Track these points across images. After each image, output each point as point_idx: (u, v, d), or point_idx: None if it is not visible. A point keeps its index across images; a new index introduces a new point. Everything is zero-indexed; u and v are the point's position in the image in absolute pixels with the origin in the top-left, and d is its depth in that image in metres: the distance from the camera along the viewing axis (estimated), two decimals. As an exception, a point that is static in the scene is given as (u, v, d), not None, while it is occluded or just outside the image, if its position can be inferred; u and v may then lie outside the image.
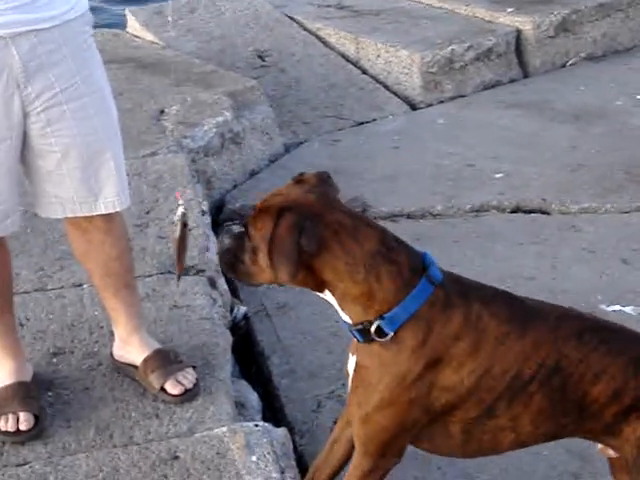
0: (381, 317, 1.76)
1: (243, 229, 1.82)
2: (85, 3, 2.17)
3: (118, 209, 2.28)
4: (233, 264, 1.84)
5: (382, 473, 1.91)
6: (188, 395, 2.36)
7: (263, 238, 1.73)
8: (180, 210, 2.05)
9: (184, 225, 2.06)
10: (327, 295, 1.82)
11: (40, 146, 2.14)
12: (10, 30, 2.00)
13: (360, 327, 1.80)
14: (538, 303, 1.89)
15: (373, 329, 1.77)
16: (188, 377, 2.39)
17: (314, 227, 1.72)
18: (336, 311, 1.86)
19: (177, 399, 2.35)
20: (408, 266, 1.77)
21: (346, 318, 1.83)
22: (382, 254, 1.76)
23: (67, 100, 2.11)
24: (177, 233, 2.06)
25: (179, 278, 2.23)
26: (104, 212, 2.25)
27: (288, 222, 1.70)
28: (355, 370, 1.88)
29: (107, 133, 2.21)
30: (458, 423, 1.84)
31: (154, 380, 2.38)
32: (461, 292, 1.81)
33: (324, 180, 1.85)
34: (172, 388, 2.36)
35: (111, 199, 2.24)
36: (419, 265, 1.79)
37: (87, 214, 2.24)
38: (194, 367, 2.44)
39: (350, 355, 1.93)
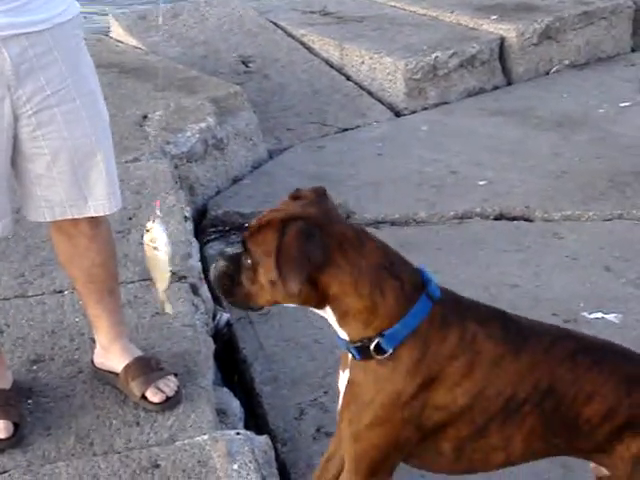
0: (381, 334, 1.73)
1: (238, 250, 1.79)
2: (76, 7, 2.17)
3: (107, 212, 2.27)
4: (230, 287, 1.79)
5: None
6: (169, 403, 2.34)
7: (266, 252, 1.69)
8: None
9: None
10: (327, 312, 1.77)
11: (30, 149, 2.13)
12: (1, 33, 1.99)
13: (359, 344, 1.76)
14: (533, 323, 1.86)
15: (372, 347, 1.73)
16: (170, 385, 2.37)
17: (320, 236, 1.69)
18: (332, 328, 1.81)
19: (158, 407, 2.34)
20: (410, 281, 1.75)
21: (343, 335, 1.79)
22: (386, 268, 1.73)
23: (58, 103, 2.10)
24: None
25: None
26: (93, 214, 2.24)
27: (294, 231, 1.67)
28: (347, 386, 1.83)
29: (98, 136, 2.20)
30: (449, 441, 1.81)
31: (135, 388, 2.36)
32: (457, 310, 1.79)
33: (321, 195, 1.81)
34: (153, 396, 2.34)
35: (101, 202, 2.23)
36: (419, 281, 1.77)
37: (76, 216, 2.23)
38: (176, 375, 2.42)
39: (341, 372, 1.89)
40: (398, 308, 1.73)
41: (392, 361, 1.74)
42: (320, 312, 1.79)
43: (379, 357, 1.74)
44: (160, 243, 2.04)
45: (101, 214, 2.25)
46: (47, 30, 2.06)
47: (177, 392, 2.37)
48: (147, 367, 2.40)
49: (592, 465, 1.95)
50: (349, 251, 1.71)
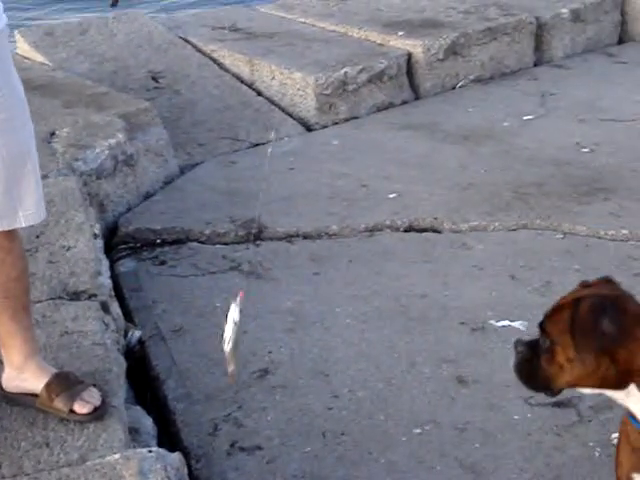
0: None
1: (534, 338, 1.83)
2: (4, 18, 2.15)
3: (37, 222, 2.26)
4: (530, 373, 1.83)
5: None
6: (99, 412, 2.33)
7: (562, 329, 1.74)
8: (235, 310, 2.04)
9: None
10: (630, 392, 1.75)
11: None
12: None
13: None
14: None
15: None
16: (94, 395, 2.36)
17: (615, 311, 1.72)
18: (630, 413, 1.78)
19: (89, 417, 2.31)
20: None
21: None
22: None
23: None
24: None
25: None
26: (24, 225, 2.22)
27: (587, 305, 1.72)
28: None
29: (28, 145, 2.19)
30: None
31: (61, 404, 2.32)
32: None
33: (609, 281, 1.86)
34: (81, 408, 2.32)
35: (31, 212, 2.21)
36: None
37: (6, 228, 2.20)
38: (95, 385, 2.40)
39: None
40: None
41: None
42: (620, 396, 1.77)
43: None
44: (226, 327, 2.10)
45: (31, 224, 2.25)
46: None
47: (103, 401, 2.36)
48: (68, 381, 2.37)
49: None
50: None
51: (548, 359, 1.79)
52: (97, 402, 2.34)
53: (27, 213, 2.21)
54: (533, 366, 1.83)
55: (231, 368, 2.14)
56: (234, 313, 2.06)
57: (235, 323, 2.06)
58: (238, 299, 2.06)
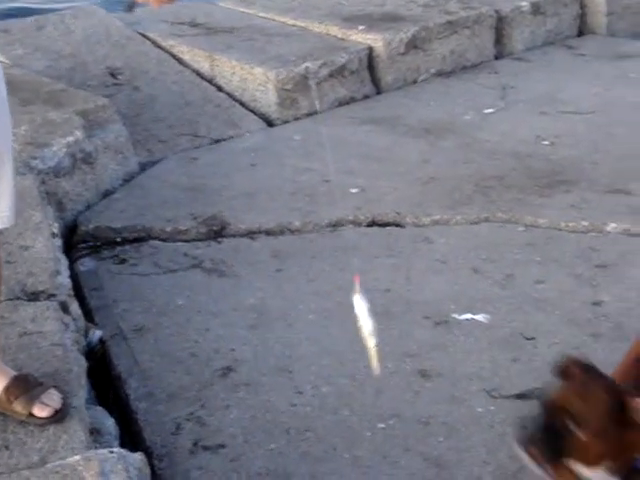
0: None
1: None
2: None
3: (11, 224, 2.20)
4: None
5: None
6: (59, 415, 2.29)
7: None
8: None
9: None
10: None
11: None
12: None
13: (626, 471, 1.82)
14: None
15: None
16: (54, 398, 2.32)
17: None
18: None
19: (49, 420, 2.28)
20: None
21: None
22: None
23: None
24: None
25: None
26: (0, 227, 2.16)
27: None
28: None
29: (7, 145, 2.15)
30: None
31: (20, 407, 2.29)
32: None
33: (587, 366, 1.90)
34: (40, 411, 2.28)
35: (6, 214, 2.17)
36: None
37: None
38: (55, 387, 2.37)
39: None
40: None
41: None
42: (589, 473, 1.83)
43: None
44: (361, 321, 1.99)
45: (6, 226, 2.19)
46: None
47: (64, 404, 2.32)
48: (27, 384, 2.34)
49: None
50: None
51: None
52: (57, 405, 2.31)
53: (2, 215, 2.16)
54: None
55: (377, 362, 2.01)
56: (363, 303, 1.93)
57: (369, 312, 1.93)
58: (357, 285, 1.92)
